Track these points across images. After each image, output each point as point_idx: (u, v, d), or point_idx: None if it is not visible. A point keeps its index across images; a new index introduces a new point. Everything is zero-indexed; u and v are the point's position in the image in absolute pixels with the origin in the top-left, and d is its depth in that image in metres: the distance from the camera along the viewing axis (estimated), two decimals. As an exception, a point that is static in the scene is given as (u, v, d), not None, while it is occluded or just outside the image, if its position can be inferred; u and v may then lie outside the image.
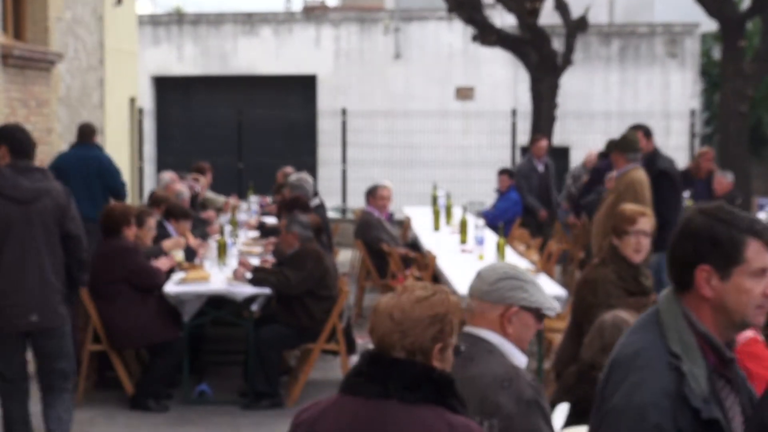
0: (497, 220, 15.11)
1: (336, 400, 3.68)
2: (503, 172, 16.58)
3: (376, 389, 3.57)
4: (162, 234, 10.84)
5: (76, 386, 8.99)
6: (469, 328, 4.26)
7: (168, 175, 13.48)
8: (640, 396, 3.11)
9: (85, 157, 11.91)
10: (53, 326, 7.40)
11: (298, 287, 9.54)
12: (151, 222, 10.39)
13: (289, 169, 16.10)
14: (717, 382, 3.20)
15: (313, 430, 3.65)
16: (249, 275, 9.65)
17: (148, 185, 22.38)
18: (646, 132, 11.47)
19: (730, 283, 3.18)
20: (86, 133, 12.13)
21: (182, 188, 12.90)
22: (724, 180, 15.06)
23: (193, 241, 11.27)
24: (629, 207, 7.44)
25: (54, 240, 7.36)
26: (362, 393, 3.59)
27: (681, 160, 21.99)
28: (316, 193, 13.31)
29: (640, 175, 10.36)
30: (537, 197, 15.61)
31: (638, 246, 7.13)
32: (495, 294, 4.25)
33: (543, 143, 16.01)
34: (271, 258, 10.84)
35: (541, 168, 15.76)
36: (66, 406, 7.63)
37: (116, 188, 12.14)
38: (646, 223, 7.22)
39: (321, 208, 12.91)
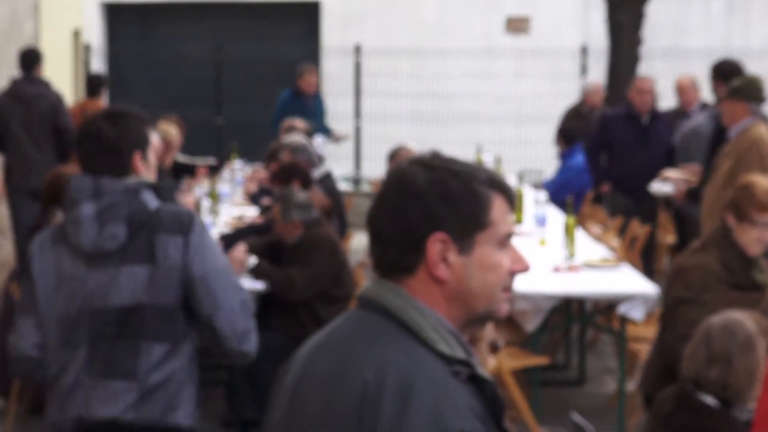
0: (562, 193, 15.09)
1: None
2: (562, 132, 16.51)
3: None
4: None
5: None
6: None
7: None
8: (449, 424, 2.83)
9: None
10: None
11: (305, 290, 9.33)
12: None
13: (297, 122, 15.56)
14: None
15: None
16: (252, 262, 9.18)
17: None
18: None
19: (474, 256, 2.98)
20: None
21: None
22: None
23: None
24: (764, 187, 7.19)
25: None
26: None
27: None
28: (322, 159, 13.25)
29: (764, 132, 10.17)
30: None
31: (763, 238, 7.10)
32: None
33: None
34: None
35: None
36: None
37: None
38: None
39: (328, 178, 12.82)
